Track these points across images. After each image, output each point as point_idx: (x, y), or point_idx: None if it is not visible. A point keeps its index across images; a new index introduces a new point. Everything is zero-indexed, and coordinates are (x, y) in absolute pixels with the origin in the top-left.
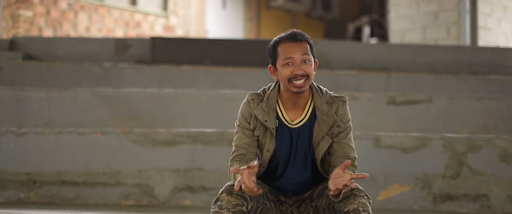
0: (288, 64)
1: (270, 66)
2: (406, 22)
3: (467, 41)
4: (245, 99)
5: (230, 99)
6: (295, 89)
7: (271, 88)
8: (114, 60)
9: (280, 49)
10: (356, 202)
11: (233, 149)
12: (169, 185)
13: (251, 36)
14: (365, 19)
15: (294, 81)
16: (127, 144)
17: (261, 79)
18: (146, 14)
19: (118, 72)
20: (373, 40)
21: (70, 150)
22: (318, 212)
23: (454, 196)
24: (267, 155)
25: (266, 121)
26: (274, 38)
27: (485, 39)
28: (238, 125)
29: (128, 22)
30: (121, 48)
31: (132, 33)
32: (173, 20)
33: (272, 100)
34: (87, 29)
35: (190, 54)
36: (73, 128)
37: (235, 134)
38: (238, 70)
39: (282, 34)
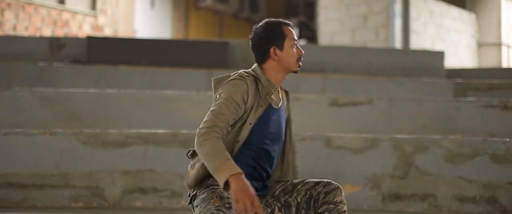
0: (295, 46)
1: (273, 47)
2: (335, 24)
3: (396, 44)
4: (237, 77)
5: (173, 100)
6: (298, 69)
7: (256, 71)
8: (48, 60)
9: (286, 32)
10: (341, 194)
11: (212, 118)
12: (119, 186)
13: (179, 36)
14: (293, 20)
15: (299, 62)
16: (77, 145)
17: (197, 80)
18: (74, 13)
19: (54, 72)
20: (302, 42)
21: (18, 151)
22: (290, 207)
23: (403, 195)
24: (248, 128)
25: (269, 98)
26: (271, 20)
27: (413, 43)
28: (226, 98)
29: (56, 21)
30: (56, 47)
31: (60, 32)
32: (101, 20)
33: (266, 81)
34: (14, 27)
35: (127, 54)
36: (14, 128)
37: (218, 105)
38: (174, 71)
39: (277, 19)
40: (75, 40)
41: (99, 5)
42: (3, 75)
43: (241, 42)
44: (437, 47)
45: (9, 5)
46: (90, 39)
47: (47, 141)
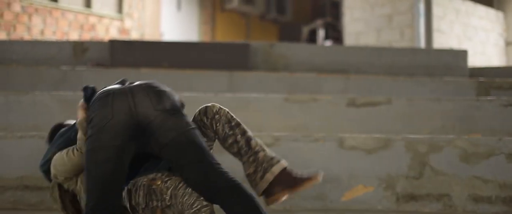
0: None
1: None
2: (360, 25)
3: (421, 44)
4: None
5: (191, 102)
6: None
7: None
8: (72, 64)
9: None
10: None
11: None
12: None
13: (206, 38)
14: (319, 22)
15: None
16: None
17: (219, 82)
18: (101, 16)
19: (76, 75)
20: (328, 43)
21: (33, 154)
22: None
23: (417, 196)
24: None
25: None
26: None
27: (439, 42)
28: None
29: (82, 25)
30: (79, 51)
31: (87, 36)
32: (128, 23)
33: None
34: (41, 32)
35: (149, 57)
36: (34, 132)
37: None
38: (196, 73)
39: None
40: (98, 44)
41: (125, 8)
42: (26, 79)
43: (262, 44)
44: (464, 46)
45: (36, 10)
46: (112, 43)
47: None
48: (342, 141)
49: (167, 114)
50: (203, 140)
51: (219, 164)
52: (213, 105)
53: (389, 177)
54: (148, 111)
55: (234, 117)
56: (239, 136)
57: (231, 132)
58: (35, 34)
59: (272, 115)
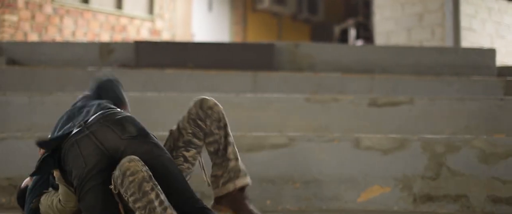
0: None
1: None
2: (391, 24)
3: (452, 43)
4: None
5: None
6: None
7: None
8: (98, 65)
9: None
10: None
11: None
12: None
13: (238, 39)
14: (350, 21)
15: None
16: None
17: (243, 82)
18: (132, 18)
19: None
20: (359, 42)
21: None
22: None
23: (434, 196)
24: None
25: None
26: None
27: (470, 40)
28: None
29: (114, 26)
30: (105, 52)
31: (118, 37)
32: (159, 24)
33: None
34: (73, 33)
35: (174, 57)
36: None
37: None
38: (220, 73)
39: None
40: (124, 45)
41: (156, 9)
42: (53, 80)
43: (287, 44)
44: (496, 45)
45: (68, 11)
46: (137, 44)
47: None
48: (357, 141)
49: (136, 140)
50: (174, 165)
51: (188, 190)
52: (209, 100)
53: (405, 178)
54: (116, 142)
55: (225, 116)
56: (222, 138)
57: (216, 131)
58: (67, 35)
59: (293, 115)
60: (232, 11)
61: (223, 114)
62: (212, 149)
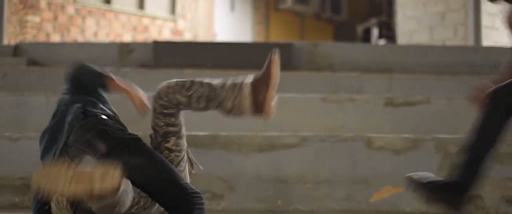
0: None
1: None
2: (413, 23)
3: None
4: None
5: None
6: None
7: None
8: (117, 65)
9: None
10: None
11: None
12: None
13: (260, 39)
14: (373, 20)
15: None
16: None
17: None
18: (153, 18)
19: (121, 76)
20: (382, 42)
21: None
22: None
23: None
24: None
25: None
26: None
27: (493, 39)
28: None
29: (136, 26)
30: (124, 52)
31: (140, 38)
32: (181, 24)
33: None
34: (95, 34)
35: (193, 58)
36: None
37: None
38: (239, 73)
39: None
40: (143, 45)
41: (178, 9)
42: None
43: (306, 44)
44: None
45: (90, 12)
46: (156, 44)
47: None
48: (370, 141)
49: (108, 157)
50: (152, 168)
51: (171, 188)
52: (160, 88)
53: None
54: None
55: (185, 80)
56: (200, 88)
57: (190, 92)
58: (89, 36)
59: (309, 115)
60: (255, 11)
61: (181, 81)
62: (201, 106)
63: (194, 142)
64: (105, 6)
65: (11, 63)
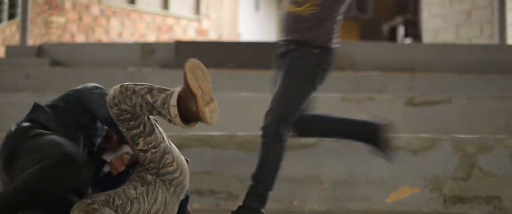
0: None
1: None
2: (439, 21)
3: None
4: None
5: (246, 102)
6: None
7: None
8: (139, 65)
9: None
10: None
11: None
12: None
13: None
14: (399, 19)
15: None
16: None
17: None
18: (178, 18)
19: (143, 76)
20: (408, 40)
21: None
22: None
23: (465, 198)
24: None
25: None
26: None
27: None
28: None
29: (160, 26)
30: (147, 53)
31: (164, 37)
32: (205, 24)
33: None
34: (119, 34)
35: (214, 57)
36: None
37: None
38: (261, 73)
39: None
40: (165, 45)
41: (203, 9)
42: (94, 81)
43: None
44: None
45: (114, 12)
46: (178, 44)
47: None
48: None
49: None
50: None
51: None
52: (108, 98)
53: (435, 178)
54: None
55: (128, 88)
56: (139, 99)
57: (132, 103)
58: (113, 36)
59: None
60: (279, 10)
61: (118, 93)
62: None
63: (210, 142)
64: (129, 7)
65: (34, 64)
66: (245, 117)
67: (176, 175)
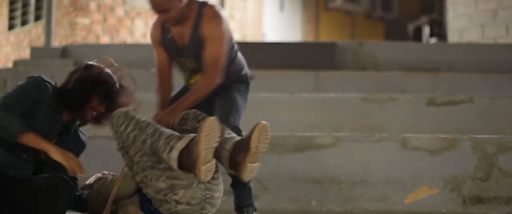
0: None
1: None
2: (464, 21)
3: None
4: None
5: (266, 103)
6: None
7: None
8: None
9: None
10: None
11: None
12: None
13: (310, 38)
14: (424, 19)
15: None
16: None
17: (305, 82)
18: None
19: None
20: (433, 40)
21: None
22: None
23: (485, 198)
24: None
25: None
26: None
27: None
28: None
29: None
30: None
31: None
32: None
33: None
34: (144, 35)
35: None
36: None
37: None
38: (282, 73)
39: None
40: None
41: (227, 10)
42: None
43: (351, 43)
44: None
45: (139, 13)
46: None
47: None
48: (405, 141)
49: None
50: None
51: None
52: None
53: (454, 179)
54: None
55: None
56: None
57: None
58: (138, 37)
59: (349, 115)
60: (304, 10)
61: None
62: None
63: None
64: None
65: (58, 65)
66: (263, 117)
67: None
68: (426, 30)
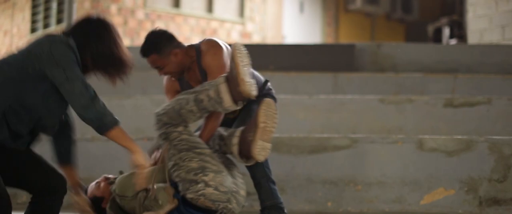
0: None
1: None
2: (484, 22)
3: None
4: None
5: (284, 104)
6: None
7: None
8: None
9: None
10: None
11: None
12: None
13: (330, 40)
14: (444, 20)
15: None
16: None
17: (324, 83)
18: (222, 21)
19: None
20: (453, 42)
21: (119, 155)
22: None
23: (501, 200)
24: None
25: None
26: None
27: None
28: None
29: (204, 29)
30: None
31: None
32: (249, 27)
33: None
34: None
35: (255, 60)
36: (137, 134)
37: None
38: (301, 75)
39: None
40: None
41: (247, 12)
42: (136, 84)
43: (369, 45)
44: None
45: (159, 16)
46: None
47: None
48: (421, 142)
49: None
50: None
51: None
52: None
53: (471, 180)
54: None
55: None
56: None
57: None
58: None
59: (366, 116)
60: (324, 12)
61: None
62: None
63: None
64: (174, 10)
65: None
66: (282, 118)
67: None
68: (446, 32)
